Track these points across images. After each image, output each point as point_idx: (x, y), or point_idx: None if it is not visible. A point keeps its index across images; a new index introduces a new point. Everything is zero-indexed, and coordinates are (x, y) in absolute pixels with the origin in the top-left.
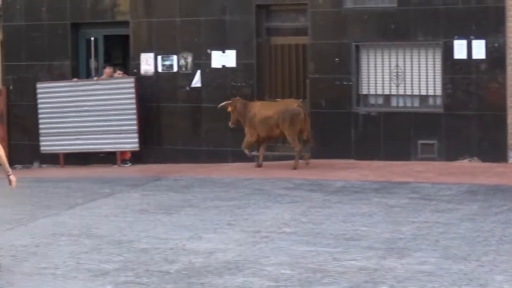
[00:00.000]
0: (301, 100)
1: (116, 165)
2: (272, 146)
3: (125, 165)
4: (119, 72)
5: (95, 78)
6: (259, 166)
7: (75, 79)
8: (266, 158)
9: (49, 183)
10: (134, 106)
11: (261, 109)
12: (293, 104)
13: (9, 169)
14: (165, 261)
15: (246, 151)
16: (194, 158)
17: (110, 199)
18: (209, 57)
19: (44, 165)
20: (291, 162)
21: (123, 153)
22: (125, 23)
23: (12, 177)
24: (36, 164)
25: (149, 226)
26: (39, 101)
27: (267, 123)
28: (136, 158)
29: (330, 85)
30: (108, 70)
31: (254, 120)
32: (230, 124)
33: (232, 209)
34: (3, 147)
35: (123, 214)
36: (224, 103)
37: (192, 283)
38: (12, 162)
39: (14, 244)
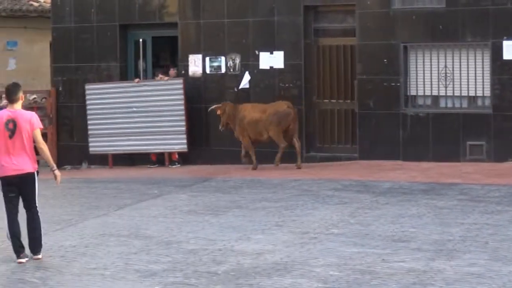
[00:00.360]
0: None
1: (164, 166)
2: (322, 147)
3: (174, 166)
4: (161, 76)
5: (136, 80)
6: (255, 168)
7: (136, 80)
8: (314, 159)
9: (98, 184)
10: (183, 107)
11: (251, 112)
12: (282, 106)
13: (54, 165)
14: (214, 262)
15: (254, 161)
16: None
17: (158, 200)
18: (257, 58)
19: (92, 166)
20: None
21: (171, 154)
22: (174, 25)
23: (57, 172)
24: (85, 165)
25: (197, 227)
26: (87, 102)
27: (256, 126)
28: (184, 159)
29: (378, 86)
30: (172, 71)
31: (244, 122)
32: (220, 127)
33: (280, 210)
34: (52, 148)
35: (171, 215)
36: (214, 106)
37: (240, 284)
38: (61, 163)
39: (63, 244)
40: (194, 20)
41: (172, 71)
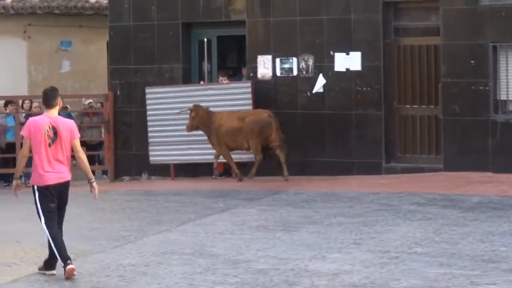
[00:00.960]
0: (269, 110)
1: (231, 177)
2: (403, 157)
3: (218, 177)
4: (221, 78)
5: (201, 83)
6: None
7: (201, 83)
8: (394, 170)
9: (159, 197)
10: None
11: (228, 120)
12: (263, 114)
13: (92, 176)
14: (285, 283)
15: (236, 170)
16: (316, 170)
17: (224, 215)
18: (332, 59)
19: (153, 177)
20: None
21: (218, 164)
22: (241, 23)
23: (95, 184)
24: (144, 176)
25: (267, 244)
26: (148, 107)
27: (235, 135)
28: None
29: (464, 89)
30: (245, 70)
31: (221, 131)
32: (186, 129)
33: (358, 226)
34: (109, 157)
35: (239, 231)
36: (186, 109)
37: None
38: (118, 173)
39: (122, 263)
40: (263, 18)
41: (245, 70)
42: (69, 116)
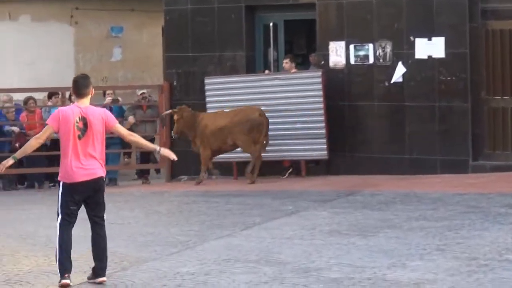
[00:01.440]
0: (262, 108)
1: (300, 177)
2: (492, 154)
3: (284, 177)
4: (285, 61)
5: (266, 72)
6: (199, 183)
7: (266, 72)
8: (482, 169)
9: (220, 198)
10: (321, 105)
11: (214, 120)
12: (254, 113)
13: (154, 146)
14: None
15: (203, 175)
16: (395, 168)
17: (293, 218)
18: (412, 45)
19: (213, 177)
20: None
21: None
22: (311, 6)
23: (165, 150)
24: (204, 175)
25: (341, 251)
26: (207, 99)
27: (220, 134)
28: (324, 168)
29: None
30: (314, 58)
31: (206, 132)
32: (172, 134)
33: (442, 231)
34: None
35: (309, 236)
36: (169, 111)
37: None
38: (175, 172)
39: (180, 271)
40: (335, 0)
41: (314, 58)
42: (120, 109)
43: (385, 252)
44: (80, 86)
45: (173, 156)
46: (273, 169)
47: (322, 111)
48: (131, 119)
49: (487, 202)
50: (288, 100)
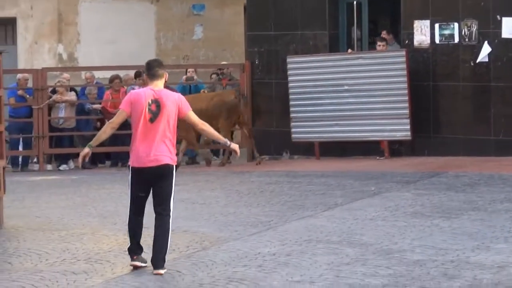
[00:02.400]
0: (236, 90)
1: (382, 158)
2: None
3: (381, 158)
4: (380, 44)
5: (349, 51)
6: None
7: (349, 51)
8: None
9: (302, 178)
10: (406, 85)
11: (192, 103)
12: (230, 95)
13: (225, 139)
14: (444, 276)
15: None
16: (480, 150)
17: (376, 199)
18: (498, 25)
19: (295, 156)
20: None
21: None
22: None
23: (234, 145)
24: (286, 155)
25: (424, 232)
26: (290, 78)
27: (202, 118)
28: (407, 149)
29: None
30: (387, 35)
31: None
32: None
33: None
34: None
35: (392, 217)
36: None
37: None
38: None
39: (261, 252)
40: None
41: (387, 35)
42: (195, 88)
43: (469, 235)
44: (152, 68)
45: (238, 152)
46: (356, 149)
47: (406, 91)
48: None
49: None
50: (372, 80)
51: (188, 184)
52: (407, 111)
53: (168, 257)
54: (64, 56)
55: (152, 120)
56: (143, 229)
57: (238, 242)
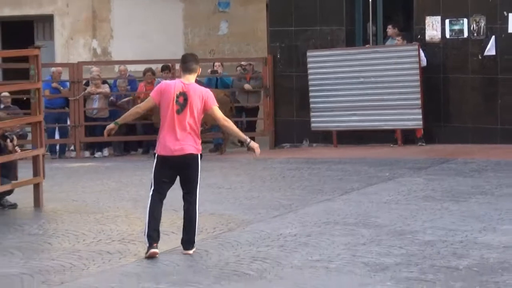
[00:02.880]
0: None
1: (395, 145)
2: None
3: (422, 144)
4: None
5: (367, 46)
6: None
7: (367, 46)
8: None
9: (321, 165)
10: (418, 77)
11: None
12: (219, 93)
13: (245, 137)
14: (454, 255)
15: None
16: (487, 138)
17: (390, 184)
18: (505, 20)
19: (314, 144)
20: None
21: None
22: None
23: (253, 144)
24: (305, 143)
25: (434, 215)
26: (309, 71)
27: None
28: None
29: None
30: (392, 30)
31: None
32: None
33: None
34: (269, 124)
35: (405, 201)
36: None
37: (484, 281)
38: (278, 140)
39: (283, 233)
40: None
41: (392, 30)
42: (221, 80)
43: (476, 217)
44: (187, 62)
45: (257, 152)
46: (372, 138)
47: (418, 83)
48: (247, 86)
49: None
50: (386, 72)
51: (214, 170)
52: (419, 102)
53: (196, 238)
54: (98, 51)
55: (179, 111)
56: (172, 211)
57: (261, 224)
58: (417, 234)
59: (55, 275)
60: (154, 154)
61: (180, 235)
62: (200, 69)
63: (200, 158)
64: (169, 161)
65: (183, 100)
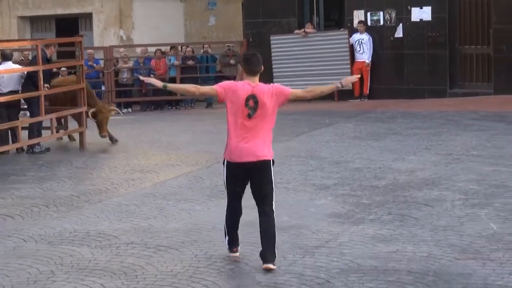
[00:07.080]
0: None
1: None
2: (463, 85)
3: (364, 100)
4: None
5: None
6: None
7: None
8: (456, 95)
9: (281, 116)
10: (347, 54)
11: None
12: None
13: (335, 85)
14: (375, 178)
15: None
16: (398, 95)
17: (330, 128)
18: (409, 12)
19: None
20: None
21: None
22: None
23: (345, 81)
24: None
25: (361, 149)
26: (272, 51)
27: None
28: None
29: (510, 33)
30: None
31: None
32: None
33: (429, 136)
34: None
35: (340, 140)
36: (91, 110)
37: (396, 195)
38: None
39: None
40: None
41: (310, 26)
42: (212, 57)
43: (390, 151)
44: (250, 63)
45: (350, 80)
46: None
47: (348, 58)
48: (232, 62)
49: (459, 116)
50: (323, 51)
51: (206, 120)
52: (349, 70)
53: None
54: (124, 38)
55: (250, 115)
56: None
57: None
58: (349, 163)
59: (95, 196)
60: (224, 160)
61: (184, 167)
62: (262, 67)
63: (273, 164)
64: (240, 168)
65: (254, 103)
